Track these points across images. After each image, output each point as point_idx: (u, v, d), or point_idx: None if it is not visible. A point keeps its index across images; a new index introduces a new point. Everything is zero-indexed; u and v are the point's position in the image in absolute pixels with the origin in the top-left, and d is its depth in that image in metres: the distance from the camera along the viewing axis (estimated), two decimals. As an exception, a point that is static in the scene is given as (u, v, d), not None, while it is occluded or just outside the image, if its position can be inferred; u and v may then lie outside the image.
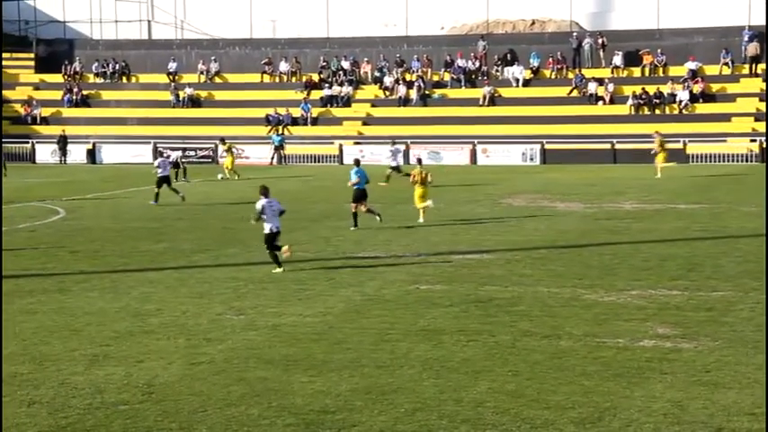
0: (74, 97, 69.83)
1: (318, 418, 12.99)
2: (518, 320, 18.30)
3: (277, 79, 70.22)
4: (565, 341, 16.78)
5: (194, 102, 69.01)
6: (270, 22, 72.95)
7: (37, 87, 71.58)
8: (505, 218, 33.41)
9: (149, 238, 29.76)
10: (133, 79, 72.20)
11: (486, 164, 58.69)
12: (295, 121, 65.65)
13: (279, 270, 23.70)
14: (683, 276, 22.42)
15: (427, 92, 66.68)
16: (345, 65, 69.28)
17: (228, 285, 22.13)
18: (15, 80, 72.37)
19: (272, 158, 60.88)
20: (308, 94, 67.41)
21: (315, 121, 65.78)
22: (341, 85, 67.84)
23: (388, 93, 67.32)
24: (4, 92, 70.81)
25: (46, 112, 68.87)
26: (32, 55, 73.68)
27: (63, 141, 63.03)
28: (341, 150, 61.33)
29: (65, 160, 63.25)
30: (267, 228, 24.08)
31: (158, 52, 72.74)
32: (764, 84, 62.17)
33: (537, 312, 18.98)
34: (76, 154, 63.62)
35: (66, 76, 71.91)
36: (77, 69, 72.19)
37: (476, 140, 60.50)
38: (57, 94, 70.29)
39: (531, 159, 59.28)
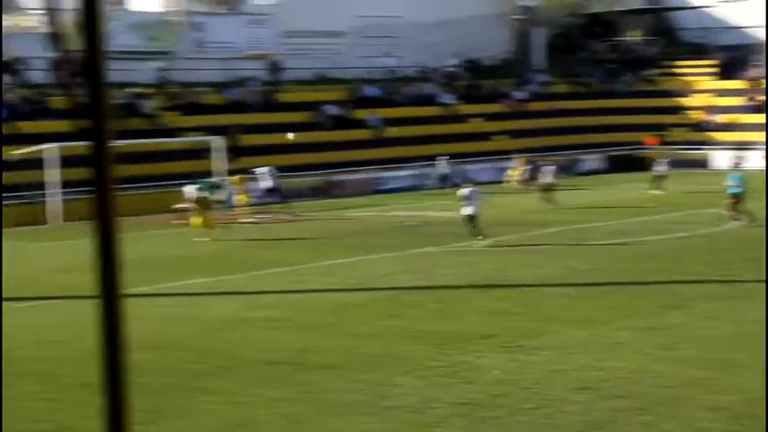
0: (752, 103, 69.31)
1: None
2: None
3: None
4: None
5: None
6: None
7: (717, 94, 72.07)
8: None
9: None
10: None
11: None
12: None
13: (482, 241, 30.14)
14: None
15: None
16: None
17: None
18: (694, 87, 73.47)
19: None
20: None
21: None
22: None
23: None
24: (682, 99, 72.36)
25: (723, 118, 69.15)
26: (713, 62, 74.28)
27: (741, 148, 62.88)
28: None
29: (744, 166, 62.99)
30: (467, 210, 30.78)
31: None
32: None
33: None
34: (753, 161, 63.12)
35: (745, 82, 71.63)
36: (755, 75, 71.53)
37: None
38: (735, 101, 70.23)
39: None
